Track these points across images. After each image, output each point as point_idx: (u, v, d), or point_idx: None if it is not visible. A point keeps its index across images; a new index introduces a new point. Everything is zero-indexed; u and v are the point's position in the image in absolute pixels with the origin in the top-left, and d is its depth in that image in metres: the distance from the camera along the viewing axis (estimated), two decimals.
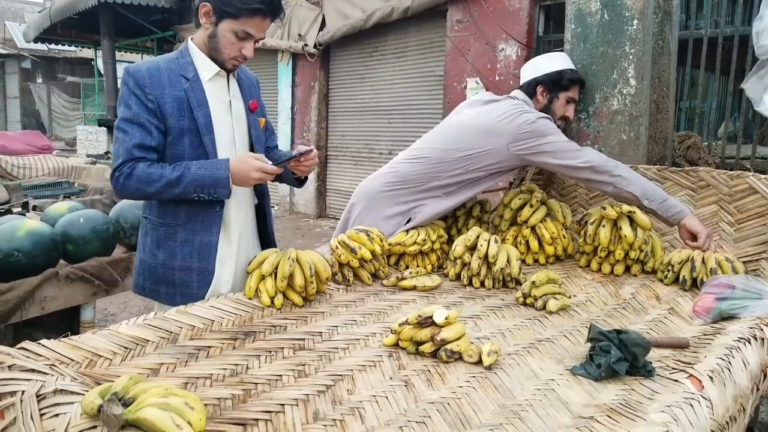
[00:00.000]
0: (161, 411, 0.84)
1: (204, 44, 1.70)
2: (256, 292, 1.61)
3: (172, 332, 1.35)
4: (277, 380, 1.20)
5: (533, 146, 2.10)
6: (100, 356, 1.21)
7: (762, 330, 1.50)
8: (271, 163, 1.68)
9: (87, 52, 17.89)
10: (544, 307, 1.69)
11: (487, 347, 1.31)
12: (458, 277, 1.97)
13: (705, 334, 1.52)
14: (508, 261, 1.90)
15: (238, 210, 1.80)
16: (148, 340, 1.30)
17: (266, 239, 1.94)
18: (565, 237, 2.23)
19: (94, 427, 0.83)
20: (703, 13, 4.33)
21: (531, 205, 2.22)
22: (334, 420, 1.06)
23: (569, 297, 1.79)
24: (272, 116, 8.40)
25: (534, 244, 2.19)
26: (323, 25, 7.66)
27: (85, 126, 14.02)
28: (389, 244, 2.01)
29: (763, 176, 2.10)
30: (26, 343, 1.13)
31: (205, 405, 1.03)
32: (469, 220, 2.32)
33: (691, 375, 1.22)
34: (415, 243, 2.03)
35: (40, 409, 0.87)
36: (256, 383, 1.18)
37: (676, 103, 3.71)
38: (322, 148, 8.28)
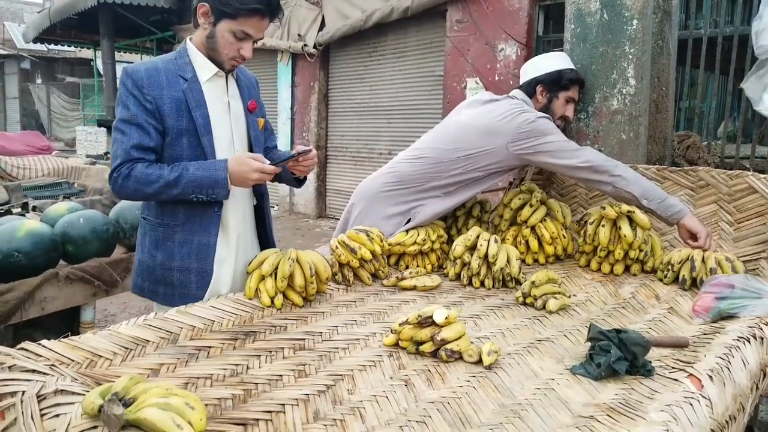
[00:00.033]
0: (162, 411, 0.84)
1: (202, 44, 1.70)
2: (256, 292, 1.61)
3: (172, 332, 1.35)
4: (277, 380, 1.20)
5: (532, 146, 2.10)
6: (101, 356, 1.21)
7: (761, 329, 1.50)
8: (269, 162, 1.68)
9: (86, 53, 17.90)
10: (543, 307, 1.69)
11: (487, 347, 1.31)
12: (458, 277, 1.97)
13: (704, 334, 1.53)
14: (508, 261, 1.90)
15: (237, 211, 1.80)
16: (149, 341, 1.30)
17: (265, 240, 1.93)
18: (564, 237, 2.24)
19: (95, 427, 0.83)
20: (703, 13, 4.33)
21: (531, 205, 2.22)
22: (335, 420, 1.06)
23: (569, 297, 1.79)
24: (272, 116, 8.40)
25: (534, 244, 2.20)
26: (323, 25, 7.66)
27: (84, 126, 14.02)
28: (389, 244, 2.01)
29: (762, 176, 2.10)
30: (26, 344, 1.13)
31: (206, 405, 1.03)
32: (468, 220, 2.32)
33: (691, 374, 1.22)
34: (414, 243, 2.04)
35: (40, 410, 0.87)
36: (257, 383, 1.18)
37: (676, 103, 3.71)
38: (322, 149, 8.29)
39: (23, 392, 0.90)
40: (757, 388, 1.36)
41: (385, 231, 2.05)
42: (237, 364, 1.26)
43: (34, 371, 0.97)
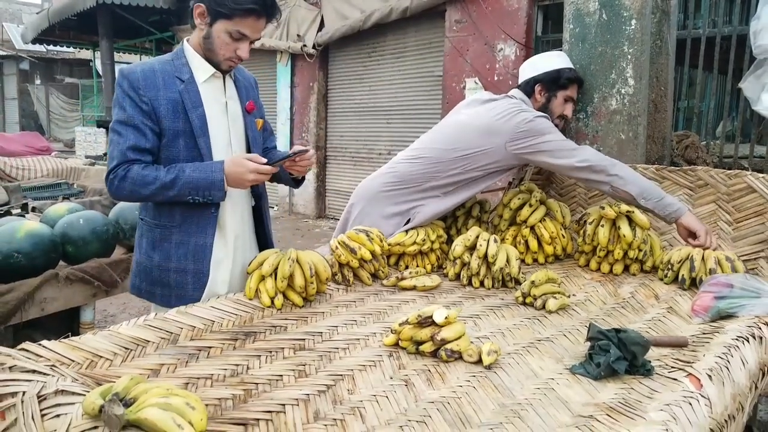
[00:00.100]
0: (162, 411, 0.84)
1: (199, 45, 1.69)
2: (256, 292, 1.61)
3: (172, 333, 1.35)
4: (277, 380, 1.20)
5: (530, 145, 2.10)
6: (101, 357, 1.21)
7: (760, 329, 1.50)
8: (265, 162, 1.68)
9: (85, 54, 17.90)
10: (543, 307, 1.70)
11: (486, 347, 1.31)
12: (458, 276, 1.97)
13: (704, 333, 1.53)
14: (508, 261, 1.90)
15: (235, 212, 1.80)
16: (149, 341, 1.30)
17: (264, 241, 1.93)
18: (564, 236, 2.24)
19: (96, 427, 0.83)
20: (701, 13, 4.33)
21: (530, 205, 2.22)
22: (335, 420, 1.06)
23: (568, 296, 1.79)
24: (271, 117, 8.40)
25: (533, 244, 2.20)
26: (322, 25, 7.66)
27: (83, 127, 14.03)
28: (389, 244, 2.02)
29: (761, 175, 2.10)
30: (27, 344, 1.13)
31: (206, 405, 1.03)
32: (468, 220, 2.32)
33: (690, 374, 1.23)
34: (414, 243, 2.04)
35: (41, 410, 0.87)
36: (257, 383, 1.18)
37: (675, 103, 3.72)
38: (321, 149, 8.29)
39: (24, 393, 0.90)
40: (756, 387, 1.37)
41: (384, 231, 2.05)
42: (237, 365, 1.26)
43: (34, 372, 0.97)
